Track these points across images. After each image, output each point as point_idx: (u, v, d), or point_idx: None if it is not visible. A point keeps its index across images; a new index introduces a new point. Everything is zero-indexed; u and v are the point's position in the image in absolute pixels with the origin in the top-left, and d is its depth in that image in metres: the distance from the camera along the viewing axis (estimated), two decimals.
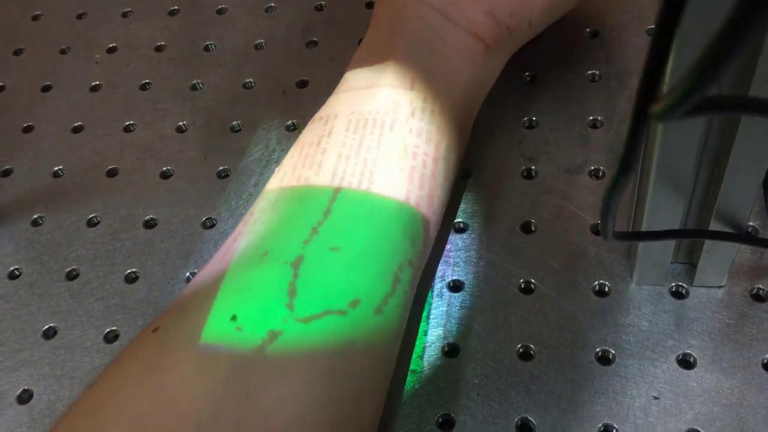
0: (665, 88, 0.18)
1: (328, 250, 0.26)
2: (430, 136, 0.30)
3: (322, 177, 0.28)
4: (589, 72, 0.39)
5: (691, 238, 0.30)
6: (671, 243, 0.29)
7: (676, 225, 0.27)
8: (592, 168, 0.35)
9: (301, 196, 0.28)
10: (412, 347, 0.31)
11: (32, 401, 0.32)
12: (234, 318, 0.24)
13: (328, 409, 0.24)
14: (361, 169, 0.28)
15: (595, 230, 0.33)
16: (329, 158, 0.29)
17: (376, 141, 0.29)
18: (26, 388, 0.32)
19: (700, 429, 0.27)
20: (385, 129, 0.29)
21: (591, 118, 0.37)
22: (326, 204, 0.27)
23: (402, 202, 0.28)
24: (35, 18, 0.48)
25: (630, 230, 0.30)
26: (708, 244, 0.29)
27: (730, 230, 0.27)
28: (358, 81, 0.32)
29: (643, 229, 0.28)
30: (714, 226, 0.27)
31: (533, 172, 0.36)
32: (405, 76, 0.31)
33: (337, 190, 0.27)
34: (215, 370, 0.23)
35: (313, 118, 0.32)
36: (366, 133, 0.29)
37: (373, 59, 0.32)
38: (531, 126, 0.37)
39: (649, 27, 0.40)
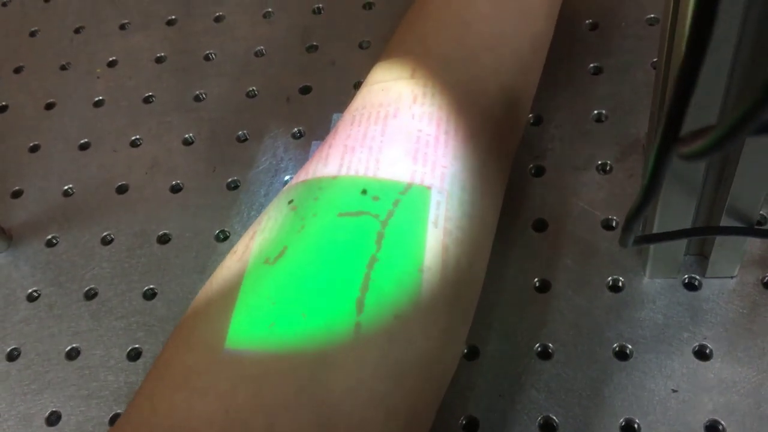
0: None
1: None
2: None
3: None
4: (591, 65, 0.39)
5: (703, 236, 0.30)
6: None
7: (687, 222, 0.28)
8: (600, 163, 0.36)
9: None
10: None
11: (61, 423, 0.32)
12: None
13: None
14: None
15: (606, 225, 0.34)
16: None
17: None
18: (54, 410, 0.33)
19: (720, 420, 0.28)
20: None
21: (595, 112, 0.37)
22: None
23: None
24: (32, 34, 0.48)
25: (641, 230, 0.30)
26: (720, 236, 0.29)
27: (741, 224, 0.28)
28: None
29: (655, 227, 0.28)
30: (725, 220, 0.28)
31: (541, 170, 0.36)
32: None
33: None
34: None
35: None
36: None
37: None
38: (536, 123, 0.38)
39: (649, 16, 0.40)
